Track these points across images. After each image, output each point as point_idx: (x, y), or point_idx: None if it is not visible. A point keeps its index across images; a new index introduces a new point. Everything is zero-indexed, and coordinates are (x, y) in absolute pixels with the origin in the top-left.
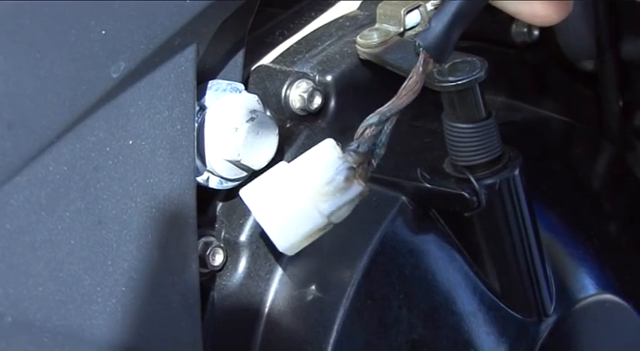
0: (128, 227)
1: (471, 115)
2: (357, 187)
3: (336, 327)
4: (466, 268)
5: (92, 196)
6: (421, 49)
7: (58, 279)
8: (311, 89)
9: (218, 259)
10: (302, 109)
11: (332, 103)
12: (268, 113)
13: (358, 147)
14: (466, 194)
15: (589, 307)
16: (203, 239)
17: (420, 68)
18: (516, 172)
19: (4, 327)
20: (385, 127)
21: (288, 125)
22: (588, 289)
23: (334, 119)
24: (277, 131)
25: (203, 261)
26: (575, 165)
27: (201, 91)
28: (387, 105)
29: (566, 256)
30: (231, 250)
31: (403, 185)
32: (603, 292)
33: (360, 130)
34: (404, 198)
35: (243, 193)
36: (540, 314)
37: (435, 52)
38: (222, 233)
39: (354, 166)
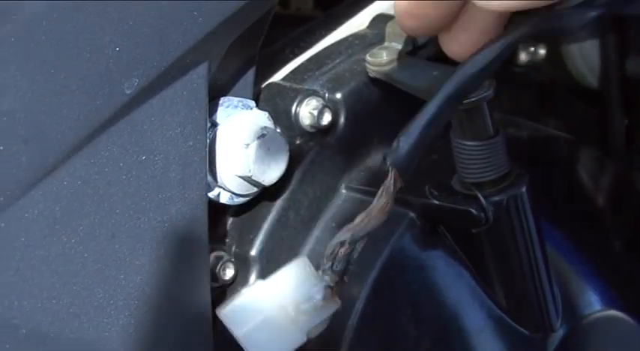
0: (141, 241)
1: (479, 133)
2: (334, 305)
3: (344, 343)
4: (473, 283)
5: (106, 210)
6: (390, 167)
7: (72, 292)
8: (321, 106)
9: (229, 273)
10: (312, 126)
11: (341, 120)
12: (279, 130)
13: (333, 266)
14: (474, 211)
15: (595, 323)
16: (214, 254)
17: (391, 188)
18: (523, 189)
19: (19, 339)
20: (357, 246)
21: (298, 142)
22: (594, 306)
23: (343, 136)
24: (287, 148)
25: (214, 275)
26: (580, 183)
27: (212, 108)
28: (356, 223)
29: (572, 272)
30: (242, 265)
31: (411, 202)
32: (608, 308)
33: (330, 248)
34: (412, 214)
35: (222, 313)
36: (547, 330)
37: (404, 171)
38: (233, 248)
39: (331, 285)
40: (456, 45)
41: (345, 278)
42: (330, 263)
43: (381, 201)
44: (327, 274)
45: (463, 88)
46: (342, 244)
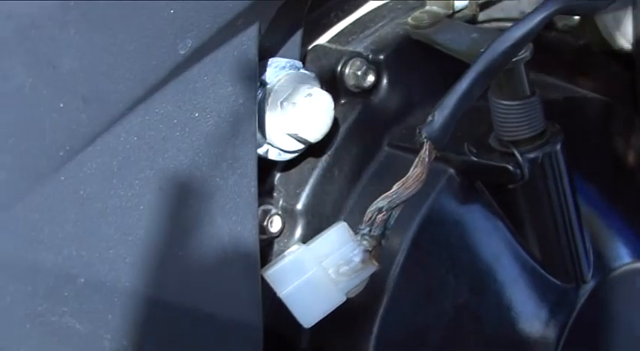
0: (193, 194)
1: (517, 93)
2: (372, 267)
3: (386, 292)
4: (509, 236)
5: (160, 164)
6: (426, 140)
7: (128, 243)
8: (364, 67)
9: (276, 226)
10: (356, 86)
11: (384, 81)
12: (324, 90)
13: (370, 231)
14: (510, 167)
15: (625, 275)
16: (262, 207)
17: (426, 159)
18: (558, 146)
19: (77, 287)
20: (394, 213)
21: (342, 101)
22: (624, 258)
23: (386, 95)
24: (333, 106)
25: (262, 228)
26: (613, 141)
27: (262, 68)
28: (394, 191)
29: (603, 226)
30: (289, 218)
31: (451, 159)
32: (638, 260)
33: (369, 214)
34: (451, 170)
35: (266, 274)
36: (579, 281)
37: (439, 143)
38: (280, 202)
39: (369, 249)
40: None
41: (383, 242)
42: (368, 228)
43: (416, 170)
44: (365, 239)
45: (496, 62)
46: (379, 210)
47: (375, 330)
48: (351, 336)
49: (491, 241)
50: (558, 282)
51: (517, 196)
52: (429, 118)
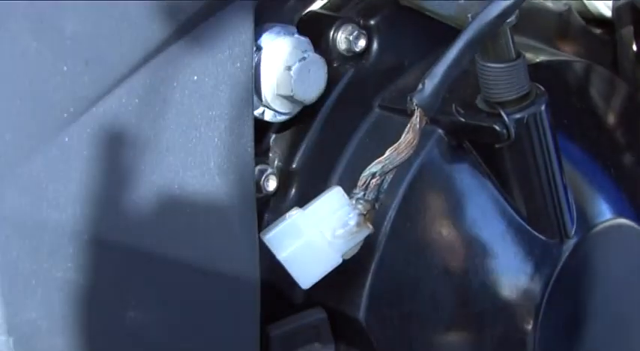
0: (193, 155)
1: (503, 56)
2: (367, 230)
3: (378, 247)
4: (496, 194)
5: (161, 126)
6: (416, 107)
7: (130, 201)
8: (356, 32)
9: (272, 185)
10: (348, 51)
11: (375, 45)
12: (318, 54)
13: (365, 195)
14: (497, 127)
15: (606, 231)
16: (258, 167)
17: (417, 126)
18: (542, 107)
19: (82, 245)
20: (387, 177)
21: (335, 65)
22: (605, 214)
23: (377, 59)
24: (326, 70)
25: (258, 187)
26: (594, 102)
27: (258, 33)
28: (386, 156)
29: (586, 184)
30: (284, 177)
31: (439, 119)
32: (619, 216)
33: (363, 179)
34: (440, 131)
35: (266, 238)
36: (562, 236)
37: (429, 110)
38: (276, 162)
39: (364, 212)
40: None
41: (376, 206)
42: (362, 193)
43: (408, 136)
44: (359, 203)
45: (484, 31)
46: (373, 175)
47: (367, 283)
48: (345, 289)
49: (479, 198)
50: (543, 237)
51: (503, 155)
52: (420, 86)
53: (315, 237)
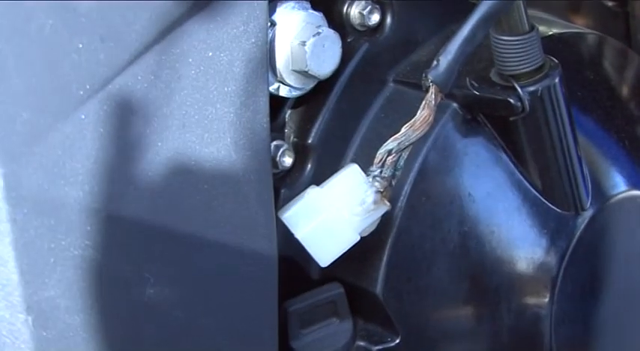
0: (209, 131)
1: (517, 28)
2: (384, 207)
3: (395, 221)
4: (511, 167)
5: (177, 102)
6: (431, 84)
7: (147, 178)
8: (369, 7)
9: (288, 160)
10: (361, 25)
11: (388, 20)
12: (332, 29)
13: (381, 172)
14: (511, 100)
15: (621, 202)
16: (274, 143)
17: (432, 102)
18: (556, 80)
19: (100, 222)
20: (403, 154)
21: (349, 39)
22: (620, 186)
23: (391, 34)
24: (340, 44)
25: (274, 162)
26: (607, 74)
27: (272, 9)
28: (402, 133)
29: (601, 156)
30: (300, 153)
31: (454, 93)
32: (634, 188)
33: (379, 156)
34: (454, 104)
35: (283, 217)
36: (578, 208)
37: (444, 86)
38: (291, 137)
39: (381, 190)
40: None
41: (393, 183)
42: (379, 170)
43: (423, 113)
44: (376, 180)
45: (497, 8)
46: (389, 152)
47: (384, 257)
48: (362, 264)
49: (494, 171)
50: (558, 210)
51: (518, 128)
52: (434, 62)
53: (333, 215)
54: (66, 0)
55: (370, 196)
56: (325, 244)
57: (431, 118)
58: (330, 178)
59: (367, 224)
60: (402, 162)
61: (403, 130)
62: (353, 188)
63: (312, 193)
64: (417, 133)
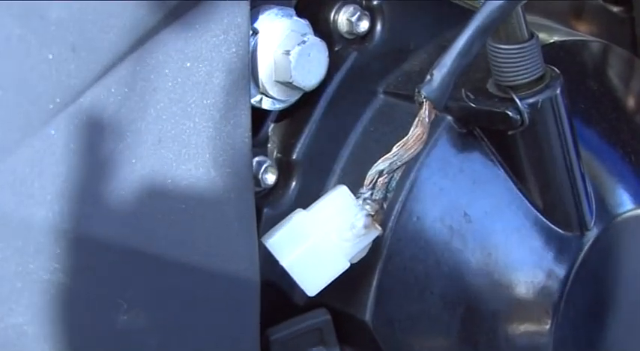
0: (186, 147)
1: (515, 36)
2: (376, 231)
3: (385, 244)
4: (510, 184)
5: (152, 116)
6: (424, 99)
7: (121, 197)
8: (358, 13)
9: (271, 177)
10: (350, 33)
11: (378, 27)
12: (318, 37)
13: (372, 194)
14: (510, 113)
15: (627, 221)
16: (256, 159)
17: (426, 119)
18: (558, 91)
19: (69, 244)
20: (395, 175)
21: (336, 48)
22: (626, 204)
23: (381, 42)
24: (327, 53)
25: (256, 180)
26: (612, 85)
27: (254, 16)
28: (394, 153)
29: (605, 172)
30: (283, 170)
31: (448, 105)
32: None
33: (369, 177)
34: (449, 118)
35: (268, 243)
36: (581, 228)
37: (438, 102)
38: (275, 153)
39: (372, 213)
40: None
41: (384, 205)
42: (369, 192)
43: (416, 131)
44: (367, 203)
45: (492, 19)
46: (380, 173)
47: (374, 282)
48: (350, 289)
49: (491, 189)
50: (560, 230)
51: (517, 142)
52: (428, 76)
53: (321, 240)
54: (35, 7)
55: (360, 219)
56: (313, 272)
57: (424, 136)
58: (317, 201)
59: (358, 250)
60: (393, 183)
61: (395, 149)
62: (342, 211)
63: (298, 216)
64: (410, 152)
